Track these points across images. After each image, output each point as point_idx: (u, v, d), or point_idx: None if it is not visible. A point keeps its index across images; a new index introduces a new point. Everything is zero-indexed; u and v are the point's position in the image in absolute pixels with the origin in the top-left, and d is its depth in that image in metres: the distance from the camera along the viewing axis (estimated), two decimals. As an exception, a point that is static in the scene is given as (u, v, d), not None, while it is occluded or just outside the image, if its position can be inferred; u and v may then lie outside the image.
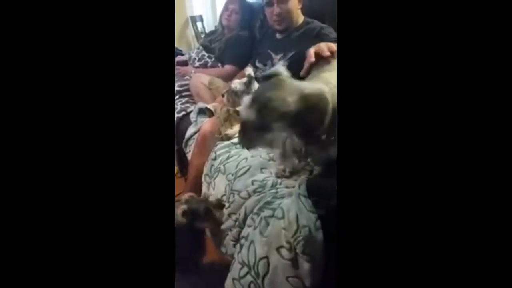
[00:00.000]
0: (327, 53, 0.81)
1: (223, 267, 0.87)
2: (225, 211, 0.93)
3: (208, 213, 0.91)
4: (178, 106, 1.57)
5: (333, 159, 0.72)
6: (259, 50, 1.49)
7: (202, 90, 1.52)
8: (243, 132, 0.70)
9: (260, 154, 1.02)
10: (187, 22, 2.74)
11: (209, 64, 1.81)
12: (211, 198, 0.98)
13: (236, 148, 1.08)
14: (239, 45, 1.69)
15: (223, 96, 1.26)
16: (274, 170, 0.93)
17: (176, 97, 1.63)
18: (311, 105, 0.63)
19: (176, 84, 1.67)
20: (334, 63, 0.81)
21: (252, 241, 0.76)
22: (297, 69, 1.22)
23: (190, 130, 1.37)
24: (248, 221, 0.84)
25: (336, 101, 0.63)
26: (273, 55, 1.36)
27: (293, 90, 0.63)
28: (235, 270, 0.77)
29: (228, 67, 1.68)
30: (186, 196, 0.96)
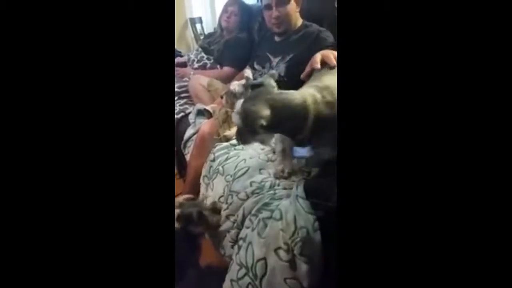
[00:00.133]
0: (334, 63, 0.83)
1: (221, 269, 0.87)
2: (223, 212, 0.93)
3: (202, 218, 0.90)
4: (176, 108, 1.57)
5: (326, 160, 0.78)
6: (258, 52, 1.49)
7: (201, 91, 1.52)
8: (237, 132, 0.75)
9: (259, 155, 1.03)
10: (186, 23, 2.74)
11: (208, 65, 1.81)
12: (206, 202, 0.97)
13: (234, 149, 1.08)
14: (238, 47, 1.69)
15: (222, 97, 1.27)
16: (272, 170, 0.93)
17: (175, 98, 1.63)
18: (289, 114, 0.69)
19: (175, 86, 1.67)
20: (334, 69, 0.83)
21: (250, 243, 0.76)
22: (295, 72, 1.24)
23: (189, 131, 1.38)
24: (246, 222, 0.84)
25: (321, 109, 0.70)
26: (271, 57, 1.37)
27: (275, 100, 0.69)
28: (233, 271, 0.77)
29: (226, 69, 1.68)
30: (179, 200, 0.95)
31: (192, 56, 1.86)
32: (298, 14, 1.36)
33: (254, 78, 1.26)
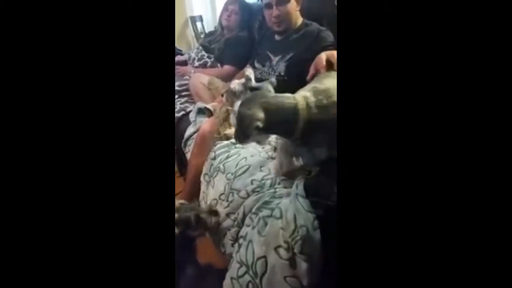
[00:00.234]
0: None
1: (222, 267, 0.87)
2: (224, 210, 0.93)
3: (200, 221, 0.90)
4: (177, 106, 1.57)
5: (321, 161, 0.81)
6: (258, 51, 1.49)
7: (201, 90, 1.52)
8: (235, 133, 0.78)
9: (259, 153, 1.03)
10: (186, 22, 2.74)
11: (209, 64, 1.81)
12: (203, 205, 0.97)
13: (235, 147, 1.09)
14: (238, 45, 1.69)
15: (222, 96, 1.27)
16: (272, 167, 0.94)
17: (175, 96, 1.63)
18: (281, 117, 0.74)
19: (176, 84, 1.67)
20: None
21: (250, 241, 0.76)
22: (295, 71, 1.25)
23: (189, 130, 1.38)
24: (247, 220, 0.84)
25: (313, 112, 0.74)
26: (271, 56, 1.37)
27: (268, 104, 0.73)
28: (233, 269, 0.77)
29: (227, 68, 1.68)
30: (176, 204, 0.94)
31: (193, 55, 1.86)
32: (298, 13, 1.36)
33: (255, 77, 1.26)
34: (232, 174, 0.97)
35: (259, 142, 0.84)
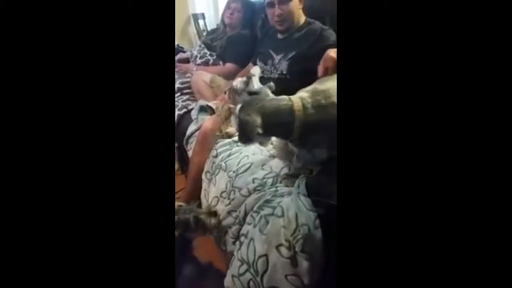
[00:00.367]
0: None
1: (222, 265, 0.87)
2: (225, 208, 0.93)
3: (199, 222, 0.90)
4: (179, 104, 1.57)
5: (320, 161, 0.83)
6: (261, 49, 1.49)
7: (203, 87, 1.52)
8: (239, 136, 0.80)
9: (261, 151, 1.03)
10: (189, 19, 2.73)
11: (211, 62, 1.81)
12: (204, 202, 0.97)
13: (237, 146, 1.09)
14: (240, 43, 1.69)
15: (225, 93, 1.27)
16: (274, 164, 0.95)
17: (177, 94, 1.63)
18: (278, 120, 0.76)
19: (178, 82, 1.67)
20: None
21: (251, 239, 0.76)
22: (297, 69, 1.24)
23: (191, 127, 1.38)
24: (248, 218, 0.84)
25: (310, 113, 0.75)
26: (274, 54, 1.36)
27: (265, 107, 0.76)
28: (235, 267, 0.78)
29: (229, 65, 1.68)
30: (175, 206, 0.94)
31: (195, 52, 1.86)
32: (301, 11, 1.35)
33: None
34: (233, 172, 0.97)
35: (261, 144, 0.88)
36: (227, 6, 1.78)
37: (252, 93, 0.83)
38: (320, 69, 0.93)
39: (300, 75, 1.22)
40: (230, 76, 1.56)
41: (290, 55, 1.30)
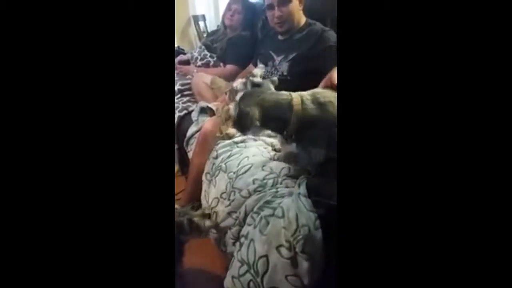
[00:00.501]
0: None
1: (223, 265, 0.87)
2: (225, 209, 0.93)
3: (193, 225, 0.90)
4: (179, 105, 1.57)
5: (317, 158, 0.83)
6: (261, 50, 1.49)
7: (203, 89, 1.53)
8: (236, 123, 0.81)
9: (261, 152, 1.03)
10: (189, 21, 2.73)
11: (211, 63, 1.81)
12: (204, 203, 0.96)
13: (237, 147, 1.09)
14: (241, 45, 1.69)
15: (226, 94, 1.27)
16: (274, 165, 0.95)
17: (178, 96, 1.63)
18: (275, 113, 0.78)
19: (178, 83, 1.67)
20: None
21: (252, 240, 0.76)
22: (298, 71, 1.24)
23: (192, 129, 1.38)
24: (248, 219, 0.84)
25: (307, 108, 0.78)
26: (274, 56, 1.37)
27: (264, 100, 0.78)
28: (235, 268, 0.78)
29: (230, 67, 1.68)
30: None
31: (195, 54, 1.86)
32: (301, 12, 1.35)
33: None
34: (234, 173, 0.97)
35: (254, 134, 0.95)
36: (228, 8, 1.78)
37: (255, 85, 0.85)
38: (322, 83, 0.92)
39: (301, 76, 1.22)
40: (231, 78, 1.56)
41: (290, 56, 1.30)
